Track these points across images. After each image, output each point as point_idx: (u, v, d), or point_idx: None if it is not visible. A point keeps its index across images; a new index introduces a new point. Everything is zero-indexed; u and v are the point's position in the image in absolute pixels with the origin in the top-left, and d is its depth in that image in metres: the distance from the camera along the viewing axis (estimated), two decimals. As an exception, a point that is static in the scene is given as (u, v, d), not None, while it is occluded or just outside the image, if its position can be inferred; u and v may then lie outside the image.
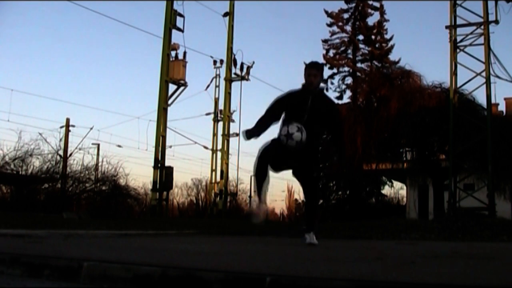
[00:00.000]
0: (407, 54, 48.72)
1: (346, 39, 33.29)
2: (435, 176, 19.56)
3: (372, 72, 29.15)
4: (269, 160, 5.33)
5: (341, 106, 31.88)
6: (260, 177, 5.32)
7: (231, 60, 22.17)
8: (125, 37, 59.92)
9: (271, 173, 5.48)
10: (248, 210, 5.96)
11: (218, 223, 13.30)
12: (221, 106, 22.69)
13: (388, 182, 30.23)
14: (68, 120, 25.93)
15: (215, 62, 22.65)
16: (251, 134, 5.37)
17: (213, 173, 22.60)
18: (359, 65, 33.32)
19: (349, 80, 33.11)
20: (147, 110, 67.58)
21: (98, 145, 27.58)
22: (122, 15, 60.50)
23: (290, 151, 5.23)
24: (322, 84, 5.75)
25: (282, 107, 5.44)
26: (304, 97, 5.34)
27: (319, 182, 5.52)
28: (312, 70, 5.43)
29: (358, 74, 32.79)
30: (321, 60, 33.18)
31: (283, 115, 5.44)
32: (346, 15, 33.42)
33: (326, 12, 33.39)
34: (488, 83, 14.24)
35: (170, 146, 21.02)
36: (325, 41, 33.43)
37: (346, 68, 33.20)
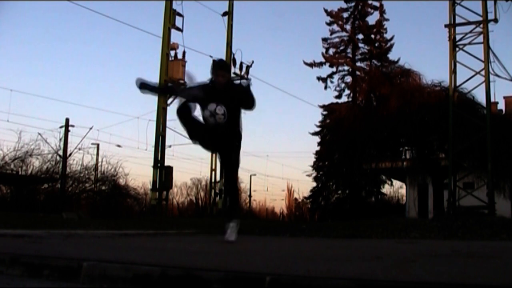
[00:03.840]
0: (407, 53, 48.86)
1: (345, 38, 33.32)
2: (435, 174, 19.57)
3: (372, 71, 29.14)
4: (188, 117, 5.59)
5: (340, 105, 31.98)
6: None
7: (231, 60, 22.15)
8: (125, 36, 59.91)
9: None
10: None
11: (217, 222, 13.28)
12: (220, 105, 22.68)
13: (387, 181, 30.29)
14: (67, 120, 25.91)
15: (214, 61, 22.65)
16: (145, 87, 5.63)
17: (213, 172, 22.61)
18: (358, 64, 33.39)
19: (348, 79, 33.17)
20: (146, 110, 67.39)
21: (98, 145, 27.56)
22: (121, 15, 60.56)
23: (212, 135, 5.53)
24: (244, 81, 5.96)
25: (197, 92, 5.60)
26: (214, 91, 5.49)
27: (238, 165, 5.69)
28: (222, 71, 5.58)
29: (358, 73, 32.82)
30: (320, 59, 33.23)
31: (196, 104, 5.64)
32: (345, 14, 33.48)
33: (326, 11, 33.45)
34: (487, 81, 14.24)
35: (170, 146, 21.02)
36: (324, 39, 33.47)
37: (346, 67, 33.24)
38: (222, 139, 5.58)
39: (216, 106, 5.39)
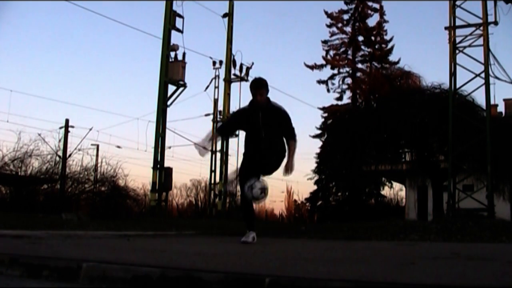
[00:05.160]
0: (407, 55, 48.65)
1: (346, 40, 33.33)
2: (434, 177, 19.56)
3: (372, 73, 29.19)
4: (247, 178, 5.70)
5: (341, 107, 31.99)
6: (248, 210, 5.92)
7: (231, 61, 22.17)
8: (124, 38, 59.86)
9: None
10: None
11: (217, 224, 13.30)
12: (220, 107, 22.70)
13: (387, 183, 30.26)
14: (67, 120, 25.89)
15: (214, 63, 22.66)
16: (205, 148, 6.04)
17: (212, 174, 22.60)
18: (359, 66, 33.38)
19: (349, 81, 33.15)
20: (146, 111, 67.59)
21: (97, 145, 27.52)
22: (121, 16, 60.47)
23: (258, 162, 5.73)
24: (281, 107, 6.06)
25: (237, 125, 5.99)
26: (255, 114, 5.74)
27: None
28: (258, 90, 5.76)
29: (358, 74, 32.84)
30: (321, 61, 33.25)
31: (243, 133, 5.99)
32: (346, 16, 33.49)
33: (326, 13, 33.46)
34: (487, 84, 14.23)
35: (170, 147, 21.02)
36: (325, 42, 33.49)
37: (346, 69, 33.23)
38: (266, 162, 5.78)
39: (254, 182, 5.56)
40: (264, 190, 5.59)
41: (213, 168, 22.55)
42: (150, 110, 52.32)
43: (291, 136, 5.93)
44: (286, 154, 5.90)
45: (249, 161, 5.82)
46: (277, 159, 5.86)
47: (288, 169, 5.89)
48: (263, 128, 5.67)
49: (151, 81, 54.71)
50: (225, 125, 6.13)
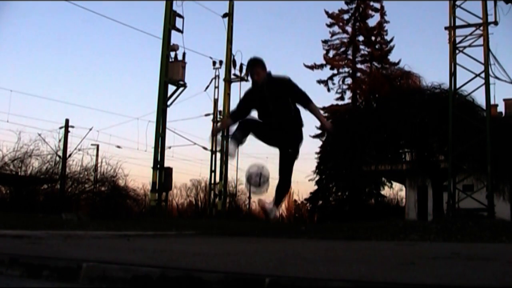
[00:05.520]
0: (407, 55, 48.65)
1: (346, 40, 33.31)
2: (434, 177, 19.56)
3: (372, 73, 29.16)
4: (251, 128, 5.65)
5: (341, 107, 31.99)
6: (240, 134, 5.61)
7: (231, 61, 22.16)
8: (124, 38, 59.82)
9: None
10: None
11: (217, 224, 13.29)
12: (220, 107, 22.70)
13: (387, 183, 30.25)
14: (67, 121, 25.88)
15: (214, 63, 22.66)
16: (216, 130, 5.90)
17: (212, 174, 22.60)
18: (359, 66, 33.36)
19: (349, 81, 33.14)
20: (146, 111, 67.56)
21: (97, 145, 27.50)
22: (121, 16, 60.44)
23: (272, 127, 5.56)
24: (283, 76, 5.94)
25: (249, 105, 5.80)
26: (259, 92, 5.62)
27: (295, 159, 5.74)
28: (254, 69, 5.65)
29: (358, 74, 32.83)
30: (321, 61, 33.24)
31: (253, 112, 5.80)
32: (346, 16, 33.47)
33: (327, 12, 33.44)
34: (487, 84, 14.24)
35: (170, 147, 21.00)
36: (325, 41, 33.47)
37: (346, 69, 33.21)
38: (282, 133, 5.63)
39: (258, 171, 5.49)
40: (265, 179, 5.50)
41: (213, 168, 22.56)
42: (150, 110, 52.29)
43: (306, 100, 5.75)
44: (302, 122, 5.76)
45: (265, 126, 5.68)
46: (295, 127, 5.72)
47: (328, 127, 6.02)
48: (270, 102, 5.56)
49: (151, 81, 54.75)
50: (236, 109, 6.03)
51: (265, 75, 5.69)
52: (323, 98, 37.06)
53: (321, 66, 33.16)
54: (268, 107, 5.56)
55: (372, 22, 33.44)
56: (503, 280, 2.77)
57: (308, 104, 5.76)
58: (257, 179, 5.46)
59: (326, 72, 33.29)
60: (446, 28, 14.87)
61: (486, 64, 14.16)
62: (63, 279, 3.04)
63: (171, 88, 19.23)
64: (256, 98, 5.64)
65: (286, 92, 5.65)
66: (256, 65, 5.70)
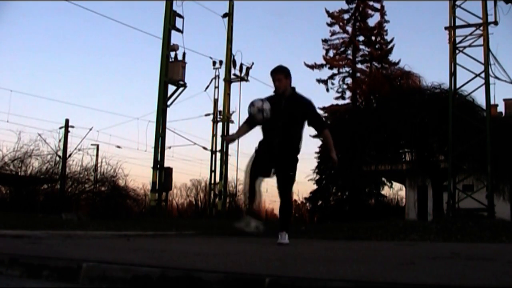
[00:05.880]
0: (407, 55, 48.80)
1: (346, 40, 33.33)
2: (434, 177, 19.57)
3: (372, 72, 29.19)
4: (257, 173, 5.66)
5: (341, 107, 31.98)
6: (252, 194, 5.70)
7: (231, 61, 22.15)
8: (124, 37, 59.89)
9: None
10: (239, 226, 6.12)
11: (217, 224, 13.28)
12: (220, 107, 22.67)
13: (387, 183, 30.26)
14: (67, 120, 25.90)
15: (214, 63, 22.64)
16: (230, 139, 6.31)
17: (212, 174, 22.59)
18: (359, 65, 33.38)
19: (349, 81, 33.16)
20: (146, 111, 67.65)
21: (97, 145, 27.52)
22: (121, 16, 60.50)
23: (272, 154, 5.56)
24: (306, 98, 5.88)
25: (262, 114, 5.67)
26: (277, 102, 5.57)
27: (293, 182, 5.70)
28: (276, 75, 5.66)
29: (358, 74, 32.84)
30: (321, 60, 33.26)
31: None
32: (346, 16, 33.50)
33: (327, 12, 33.45)
34: (487, 84, 14.24)
35: (170, 147, 20.99)
36: (325, 41, 33.48)
37: (346, 69, 33.23)
38: (279, 155, 5.59)
39: (263, 103, 5.46)
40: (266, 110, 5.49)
41: (213, 168, 22.55)
42: (150, 110, 52.38)
43: (322, 125, 5.84)
44: (299, 152, 5.75)
45: (263, 151, 5.66)
46: (291, 153, 5.67)
47: (333, 158, 5.81)
48: (283, 116, 5.50)
49: (151, 81, 54.74)
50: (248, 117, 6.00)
51: (288, 86, 5.69)
52: (323, 98, 37.07)
53: (321, 66, 33.20)
54: (277, 120, 5.49)
55: (372, 22, 33.50)
56: (503, 280, 2.77)
57: (323, 129, 5.82)
58: (260, 108, 5.44)
59: (326, 71, 33.35)
60: (446, 28, 14.87)
61: (486, 64, 14.15)
62: (63, 279, 3.04)
63: (171, 88, 19.23)
64: (272, 106, 5.53)
65: (304, 112, 5.65)
66: (278, 71, 5.72)
